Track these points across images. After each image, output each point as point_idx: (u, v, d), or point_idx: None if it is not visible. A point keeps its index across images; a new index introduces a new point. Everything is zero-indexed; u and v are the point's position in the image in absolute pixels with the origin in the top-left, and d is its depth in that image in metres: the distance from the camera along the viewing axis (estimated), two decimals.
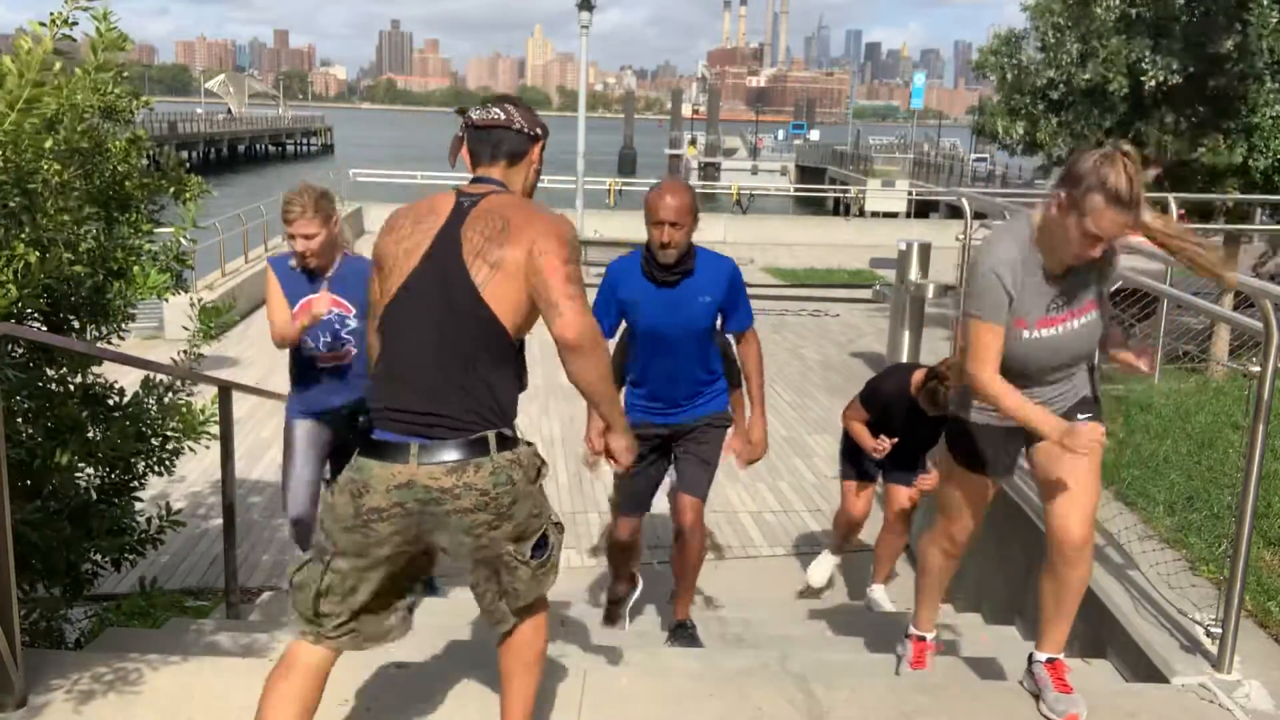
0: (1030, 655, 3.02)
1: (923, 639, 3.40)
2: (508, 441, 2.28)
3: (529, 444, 2.36)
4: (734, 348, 3.96)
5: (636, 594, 4.46)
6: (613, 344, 4.04)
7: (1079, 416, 2.83)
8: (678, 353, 3.77)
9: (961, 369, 2.86)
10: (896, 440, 4.73)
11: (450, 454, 2.20)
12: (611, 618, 4.44)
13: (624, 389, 4.03)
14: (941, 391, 4.44)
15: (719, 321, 3.82)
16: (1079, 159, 2.58)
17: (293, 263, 4.16)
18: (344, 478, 2.28)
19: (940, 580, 3.30)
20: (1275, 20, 9.72)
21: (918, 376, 4.64)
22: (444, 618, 4.48)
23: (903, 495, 4.96)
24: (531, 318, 2.33)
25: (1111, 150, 2.53)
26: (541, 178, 2.60)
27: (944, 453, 3.11)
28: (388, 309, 2.32)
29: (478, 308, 2.25)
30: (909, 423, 4.70)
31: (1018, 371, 2.77)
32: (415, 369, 2.26)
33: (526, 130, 2.44)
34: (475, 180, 2.42)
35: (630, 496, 4.13)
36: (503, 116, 2.42)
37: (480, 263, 2.26)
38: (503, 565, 2.34)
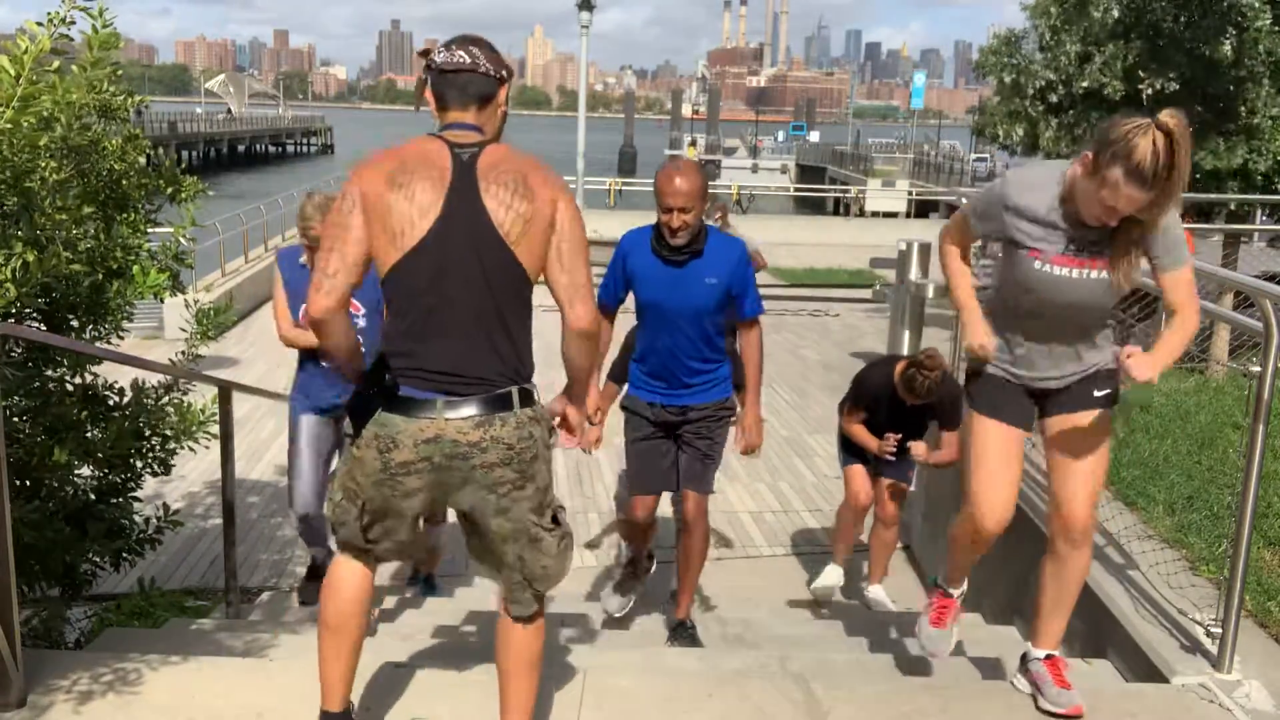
0: (1025, 653, 3.01)
1: (949, 595, 3.24)
2: (529, 397, 2.34)
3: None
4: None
5: (654, 568, 4.46)
6: (622, 325, 4.06)
7: (1095, 394, 2.83)
8: (679, 331, 3.78)
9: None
10: (900, 436, 4.74)
11: (476, 409, 2.26)
12: (625, 587, 4.44)
13: (630, 365, 4.06)
14: (920, 380, 4.45)
15: (727, 307, 3.81)
16: (1116, 123, 2.45)
17: (303, 259, 4.17)
18: (368, 433, 2.32)
19: (967, 555, 3.13)
20: (1269, 22, 9.73)
21: (899, 367, 4.64)
22: (444, 618, 4.48)
23: (894, 492, 4.98)
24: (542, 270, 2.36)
25: (1147, 122, 2.39)
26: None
27: (966, 416, 2.98)
28: (403, 267, 2.27)
29: (510, 263, 2.26)
30: (894, 414, 4.71)
31: (1025, 303, 2.74)
32: (439, 326, 2.27)
33: (494, 73, 2.38)
34: (450, 126, 2.35)
35: (640, 475, 4.06)
36: (468, 60, 2.35)
37: (510, 217, 2.25)
38: (528, 540, 2.37)
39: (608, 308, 3.92)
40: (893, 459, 4.81)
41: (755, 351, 3.89)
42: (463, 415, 2.25)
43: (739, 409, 4.04)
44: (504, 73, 2.42)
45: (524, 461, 2.30)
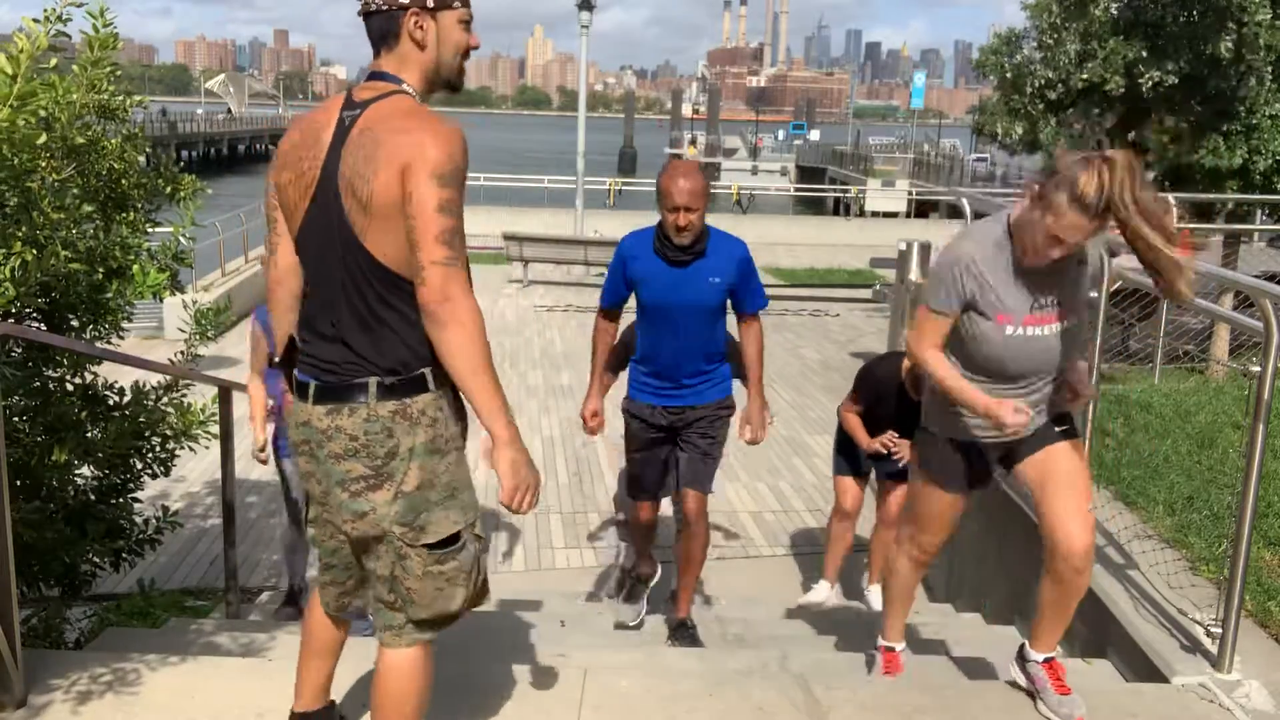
0: (1022, 650, 3.00)
1: (892, 649, 3.36)
2: (395, 392, 2.06)
3: (460, 422, 2.14)
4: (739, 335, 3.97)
5: (656, 578, 4.49)
6: (621, 324, 4.06)
7: (1056, 430, 2.84)
8: (683, 331, 3.79)
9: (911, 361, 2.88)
10: (895, 434, 4.73)
11: (333, 396, 2.09)
12: (632, 595, 4.50)
13: (629, 367, 4.08)
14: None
15: (729, 304, 3.83)
16: (1062, 155, 2.55)
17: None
18: None
19: (909, 588, 3.27)
20: (1269, 17, 9.73)
21: (907, 362, 4.63)
22: None
23: (897, 491, 4.97)
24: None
25: (1094, 155, 2.47)
26: (468, 57, 2.16)
27: (914, 465, 3.09)
28: (298, 254, 2.18)
29: (361, 256, 2.02)
30: (900, 410, 4.70)
31: (995, 370, 2.74)
32: (315, 314, 2.15)
33: (387, 4, 2.06)
34: (369, 78, 2.12)
35: (640, 481, 4.13)
36: None
37: (353, 203, 2.00)
38: (391, 550, 2.13)
39: (610, 311, 3.95)
40: (887, 456, 4.81)
41: (756, 344, 3.92)
42: (322, 402, 2.10)
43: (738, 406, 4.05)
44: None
45: (376, 457, 2.06)
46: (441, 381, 2.09)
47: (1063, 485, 2.79)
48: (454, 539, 2.14)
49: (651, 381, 3.94)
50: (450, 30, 2.11)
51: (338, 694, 2.62)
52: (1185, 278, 2.48)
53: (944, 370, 2.78)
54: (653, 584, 4.49)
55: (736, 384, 4.08)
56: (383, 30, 2.08)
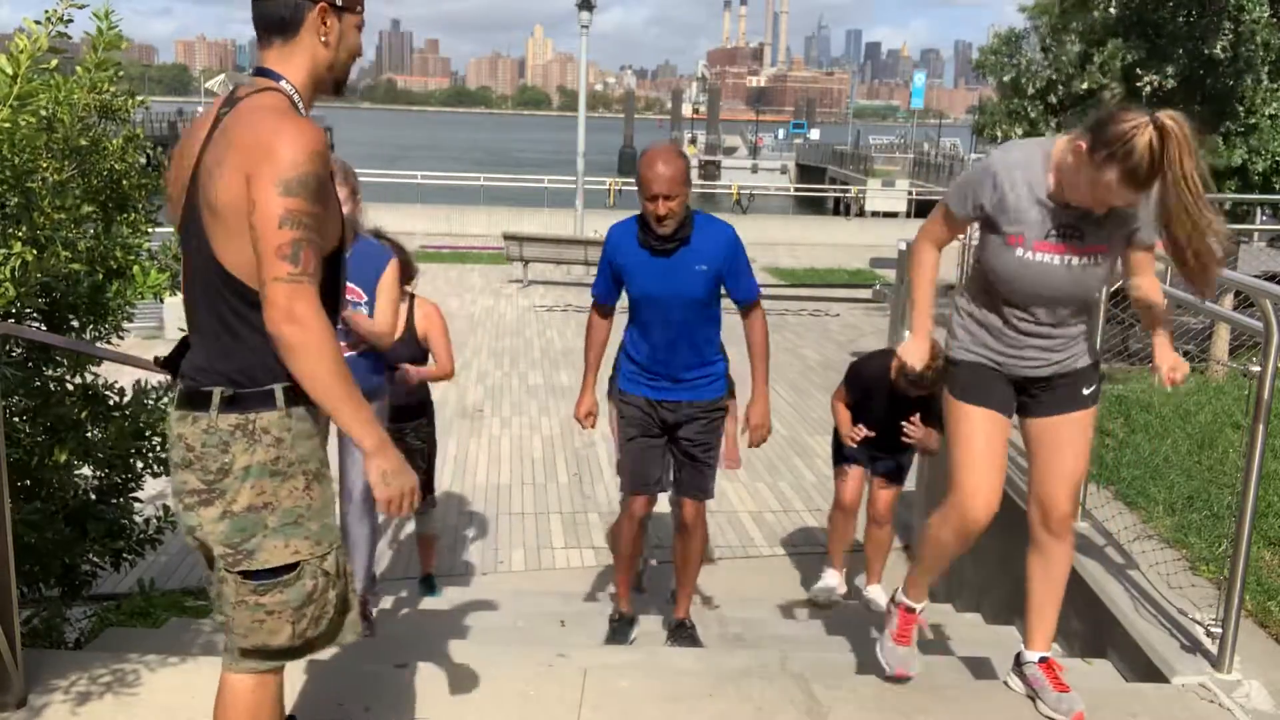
0: (1019, 655, 3.00)
1: (912, 610, 3.03)
2: (238, 404, 1.94)
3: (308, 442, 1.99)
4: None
5: (637, 628, 4.23)
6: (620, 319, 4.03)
7: (1084, 391, 2.80)
8: (673, 322, 3.69)
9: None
10: (873, 434, 4.76)
11: (184, 401, 1.98)
12: (616, 637, 4.19)
13: (619, 355, 3.95)
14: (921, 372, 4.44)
15: (722, 291, 3.73)
16: (1116, 116, 2.41)
17: None
18: None
19: (944, 558, 2.94)
20: (1266, 15, 9.74)
21: (896, 361, 4.63)
22: (443, 618, 4.47)
23: (885, 494, 4.99)
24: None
25: (1145, 120, 2.35)
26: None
27: (948, 405, 2.87)
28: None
29: (212, 263, 1.92)
30: (890, 406, 4.71)
31: (1004, 292, 2.70)
32: (187, 316, 2.05)
33: None
34: (254, 73, 2.01)
35: (637, 475, 3.96)
36: None
37: (205, 207, 1.90)
38: (218, 575, 2.01)
39: (602, 306, 3.91)
40: (874, 451, 4.84)
41: (760, 336, 3.77)
42: (178, 407, 1.99)
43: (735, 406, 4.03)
44: None
45: (208, 471, 1.94)
46: (294, 400, 1.95)
47: (1059, 453, 2.79)
48: (287, 569, 1.98)
49: (643, 374, 3.82)
50: (349, 33, 2.04)
51: (339, 698, 2.62)
52: (1216, 267, 2.44)
53: (924, 272, 2.87)
54: (636, 628, 4.23)
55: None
56: (283, 20, 1.96)
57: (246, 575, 1.97)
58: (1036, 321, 2.72)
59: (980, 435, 2.78)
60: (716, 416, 3.88)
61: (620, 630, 4.18)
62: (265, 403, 1.94)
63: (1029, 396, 2.84)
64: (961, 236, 5.51)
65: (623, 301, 3.89)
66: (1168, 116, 2.36)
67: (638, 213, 3.68)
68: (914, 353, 2.90)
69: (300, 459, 1.98)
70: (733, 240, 3.69)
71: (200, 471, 1.95)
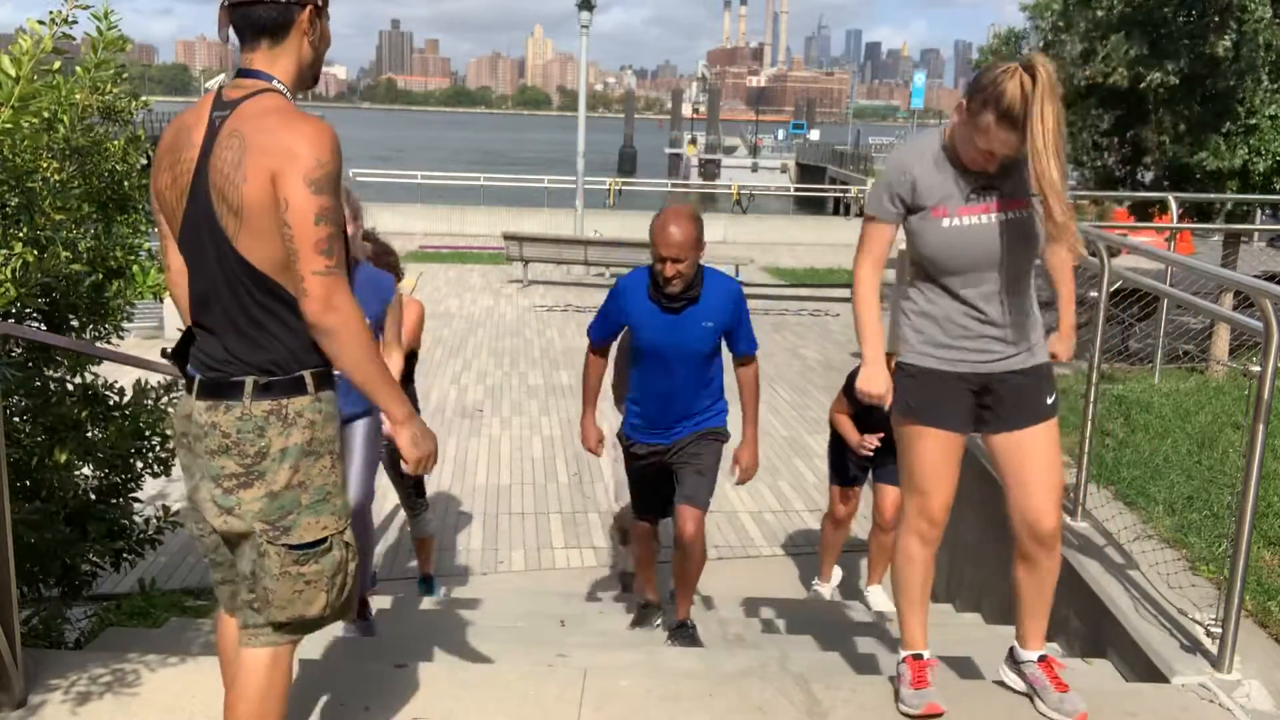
0: (1012, 652, 2.98)
1: (919, 657, 2.92)
2: (271, 391, 2.06)
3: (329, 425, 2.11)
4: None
5: (661, 616, 4.40)
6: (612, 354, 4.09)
7: (1047, 402, 2.77)
8: (676, 375, 3.83)
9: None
10: (882, 435, 4.74)
11: (213, 392, 2.08)
12: (642, 621, 4.46)
13: (625, 404, 4.12)
14: None
15: (723, 345, 3.87)
16: (986, 69, 2.55)
17: None
18: None
19: (923, 576, 2.92)
20: (1269, 15, 9.74)
21: (863, 394, 4.63)
22: (443, 618, 4.48)
23: (891, 493, 4.97)
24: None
25: (1014, 65, 2.48)
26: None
27: (896, 415, 2.86)
28: (181, 254, 2.16)
29: (235, 260, 2.01)
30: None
31: (943, 268, 2.71)
32: (200, 313, 2.13)
33: None
34: (238, 75, 2.06)
35: (640, 500, 4.24)
36: None
37: (224, 208, 1.98)
38: (254, 547, 2.11)
39: (599, 346, 4.01)
40: (880, 457, 4.82)
41: (753, 384, 3.97)
42: (203, 396, 2.09)
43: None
44: None
45: (247, 455, 2.06)
46: (322, 385, 2.11)
47: (1034, 468, 2.77)
48: (319, 542, 2.13)
49: (645, 423, 3.99)
50: (326, 30, 2.13)
51: (339, 698, 2.62)
52: (1067, 215, 2.50)
53: (865, 304, 2.84)
54: (660, 615, 4.40)
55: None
56: (273, 22, 2.02)
57: (288, 548, 2.10)
58: (985, 299, 2.70)
59: (931, 457, 2.79)
60: (715, 437, 3.99)
61: (647, 615, 4.40)
62: (297, 388, 2.08)
63: (986, 408, 2.78)
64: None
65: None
66: (1039, 62, 2.47)
67: (649, 264, 3.79)
68: (875, 380, 2.86)
69: (329, 439, 2.12)
70: (738, 297, 3.83)
71: (238, 455, 2.06)
